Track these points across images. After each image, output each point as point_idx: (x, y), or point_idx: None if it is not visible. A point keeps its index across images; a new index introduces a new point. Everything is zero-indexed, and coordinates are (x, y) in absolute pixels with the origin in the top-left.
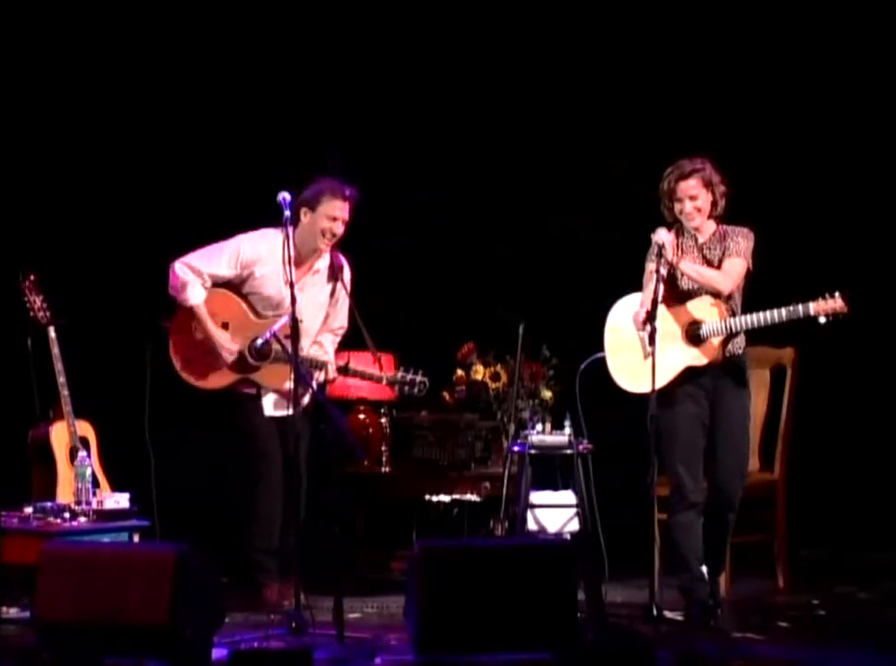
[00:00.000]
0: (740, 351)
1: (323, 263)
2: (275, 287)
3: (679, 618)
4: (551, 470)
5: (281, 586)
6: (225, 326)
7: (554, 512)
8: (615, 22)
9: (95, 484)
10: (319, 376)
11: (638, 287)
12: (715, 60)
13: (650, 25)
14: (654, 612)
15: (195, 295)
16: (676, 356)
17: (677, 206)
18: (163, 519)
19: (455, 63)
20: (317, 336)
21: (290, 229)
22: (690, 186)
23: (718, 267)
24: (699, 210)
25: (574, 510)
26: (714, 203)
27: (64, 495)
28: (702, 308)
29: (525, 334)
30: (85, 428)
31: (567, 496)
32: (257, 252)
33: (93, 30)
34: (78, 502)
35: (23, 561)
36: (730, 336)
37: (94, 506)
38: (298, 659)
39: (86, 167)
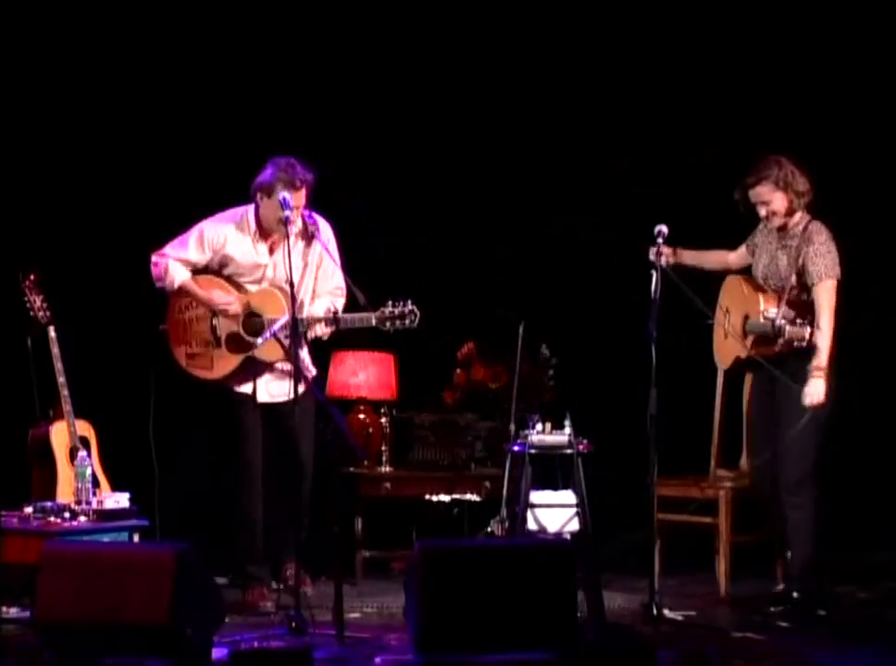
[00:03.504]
0: (801, 346)
1: (294, 228)
2: (249, 256)
3: (679, 618)
4: (551, 470)
5: (266, 589)
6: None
7: (554, 512)
8: (614, 22)
9: (95, 484)
10: (310, 334)
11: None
12: (716, 59)
13: (649, 24)
14: (654, 612)
15: (178, 274)
16: (733, 346)
17: (755, 209)
18: (163, 519)
19: (456, 63)
20: (313, 299)
21: (289, 229)
22: (761, 192)
23: (794, 257)
24: (774, 213)
25: (574, 510)
26: (791, 201)
27: (64, 495)
28: (754, 303)
29: (525, 334)
30: (85, 428)
31: (567, 496)
32: (222, 231)
33: (93, 31)
34: (78, 502)
35: (23, 561)
36: (771, 335)
37: (94, 506)
38: (298, 660)
39: (86, 167)
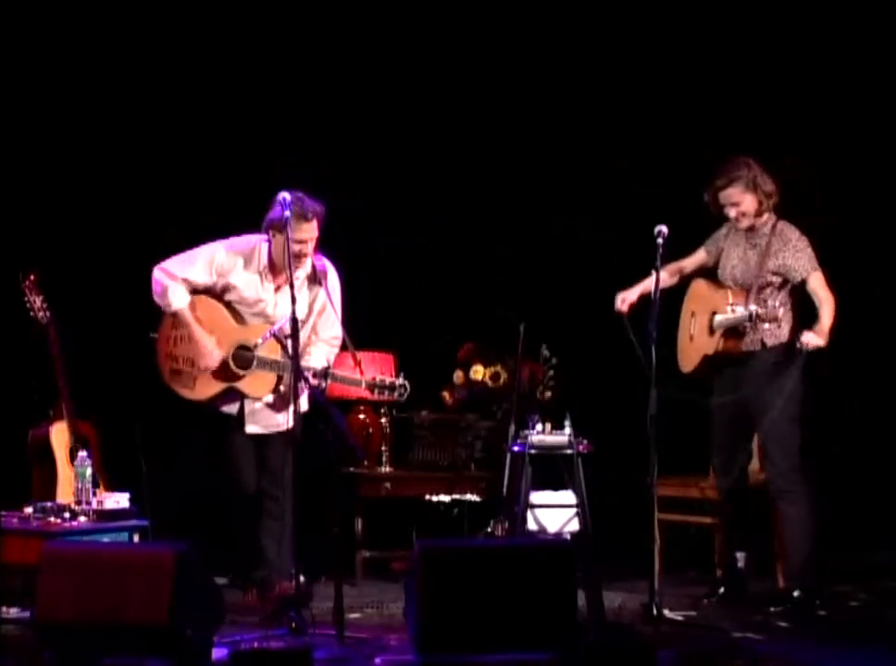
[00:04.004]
0: (772, 343)
1: (303, 271)
2: (253, 290)
3: (679, 618)
4: (551, 470)
5: (264, 591)
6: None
7: (554, 512)
8: (614, 21)
9: (95, 484)
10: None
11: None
12: (715, 59)
13: (649, 24)
14: (654, 612)
15: (177, 299)
16: (700, 345)
17: (725, 211)
18: (162, 519)
19: (456, 63)
20: (309, 345)
21: (289, 231)
22: (732, 194)
23: (765, 255)
24: (744, 214)
25: (574, 510)
26: (760, 203)
27: (64, 495)
28: (721, 299)
29: (525, 334)
30: (85, 428)
31: (567, 496)
32: (233, 260)
33: (93, 31)
34: (78, 502)
35: (23, 561)
36: (739, 328)
37: (94, 506)
38: (298, 660)
39: (86, 167)
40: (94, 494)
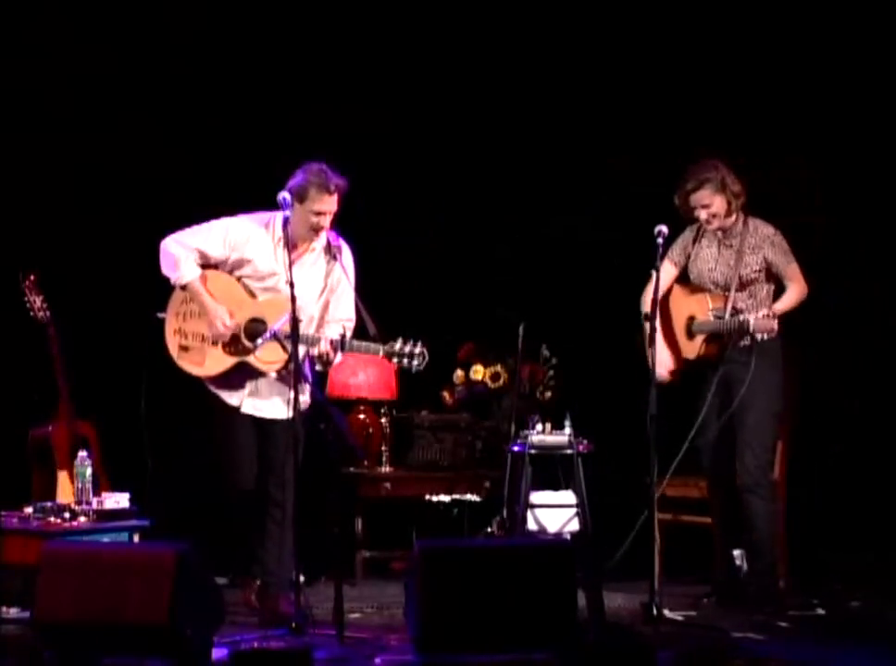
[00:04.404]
0: (745, 344)
1: (319, 243)
2: (267, 263)
3: (679, 618)
4: (551, 470)
5: (262, 598)
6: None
7: (554, 512)
8: (614, 22)
9: (95, 484)
10: (313, 351)
11: (639, 286)
12: (715, 59)
13: (649, 25)
14: (654, 612)
15: (189, 271)
16: (679, 350)
17: (695, 214)
18: (163, 519)
19: (456, 62)
20: (323, 324)
21: (289, 230)
22: (703, 196)
23: (742, 253)
24: (714, 216)
25: (574, 510)
26: (730, 203)
27: (64, 495)
28: (699, 303)
29: (525, 334)
30: (85, 428)
31: (567, 496)
32: (246, 233)
33: (93, 31)
34: (78, 502)
35: (23, 561)
36: (718, 333)
37: (94, 506)
38: (298, 659)
39: (86, 167)
40: (95, 494)
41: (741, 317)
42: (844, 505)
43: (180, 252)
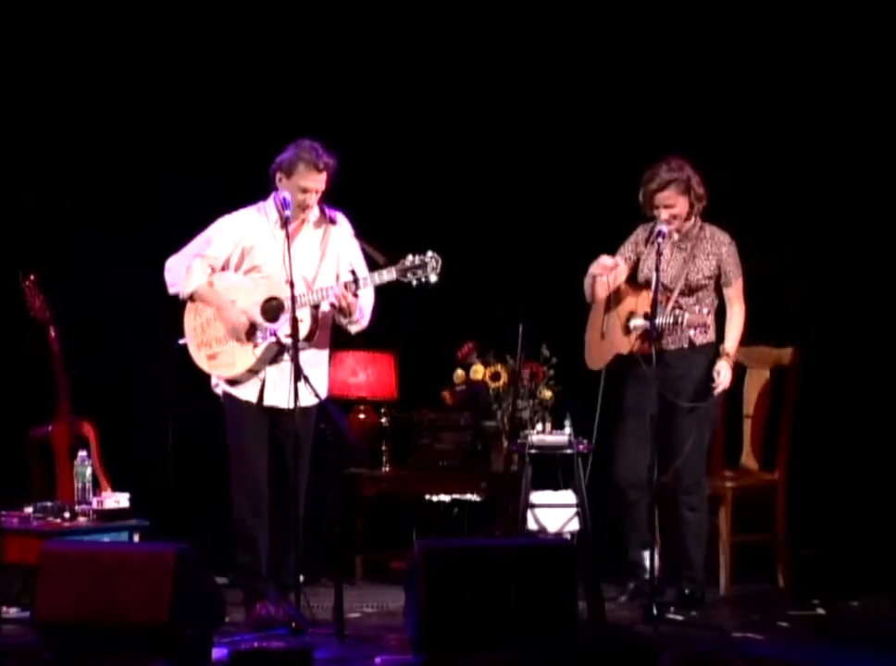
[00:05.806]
0: (700, 342)
1: (312, 215)
2: (269, 242)
3: (679, 618)
4: (551, 470)
5: (269, 602)
6: (232, 302)
7: (554, 512)
8: (614, 23)
9: (95, 484)
10: (324, 305)
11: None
12: (715, 59)
13: (649, 25)
14: (654, 612)
15: (194, 278)
16: (613, 344)
17: (655, 212)
18: (163, 519)
19: (456, 63)
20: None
21: (288, 229)
22: (667, 196)
23: (693, 257)
24: (675, 217)
25: (574, 510)
26: (692, 205)
27: (64, 495)
28: (642, 302)
29: (525, 334)
30: (85, 428)
31: (567, 496)
32: (242, 222)
33: (93, 30)
34: (78, 502)
35: (23, 561)
36: (656, 331)
37: (94, 506)
38: (298, 659)
39: (86, 167)
40: (95, 494)
41: (676, 312)
42: (843, 505)
43: (183, 264)
